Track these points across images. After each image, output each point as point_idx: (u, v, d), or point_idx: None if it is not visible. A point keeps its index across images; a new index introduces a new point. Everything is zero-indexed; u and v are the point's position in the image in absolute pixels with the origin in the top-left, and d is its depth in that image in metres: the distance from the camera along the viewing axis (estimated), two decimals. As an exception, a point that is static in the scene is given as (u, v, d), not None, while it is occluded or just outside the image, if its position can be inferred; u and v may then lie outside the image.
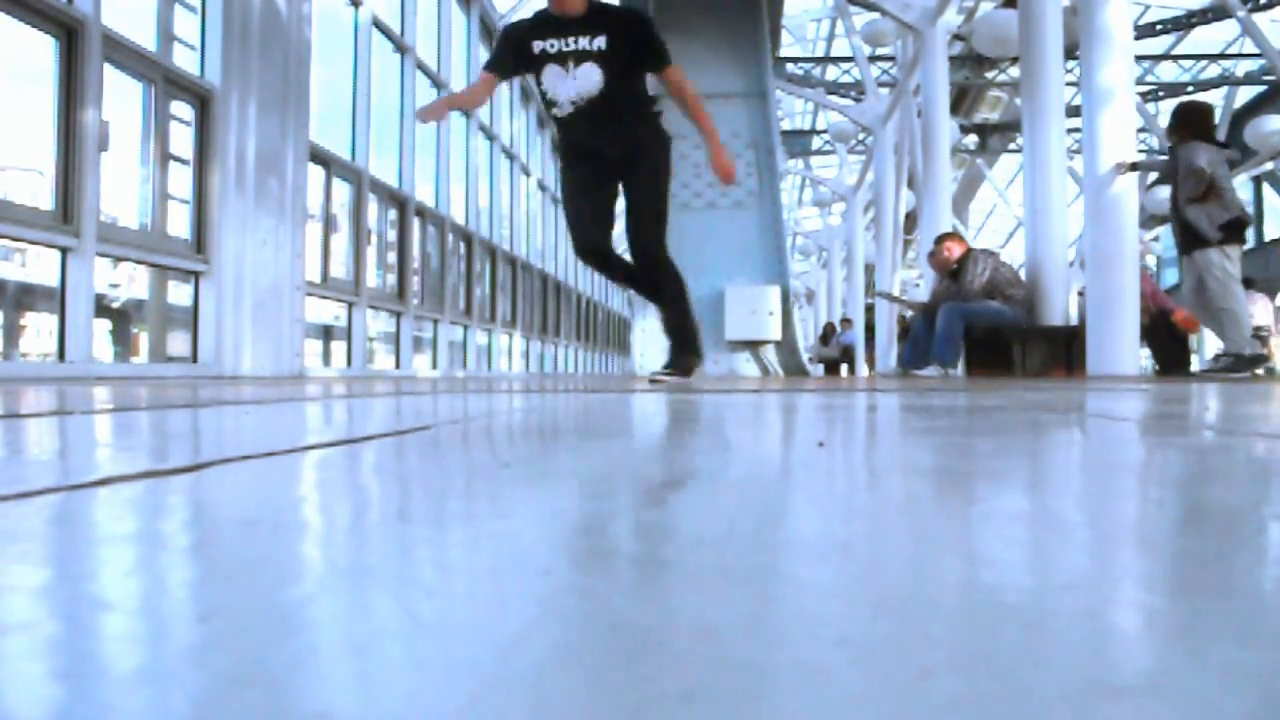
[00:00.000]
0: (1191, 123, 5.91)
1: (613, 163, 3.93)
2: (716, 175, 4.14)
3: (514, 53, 3.81)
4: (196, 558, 0.45)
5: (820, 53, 20.73)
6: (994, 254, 7.48)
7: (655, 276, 4.01)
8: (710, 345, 9.40)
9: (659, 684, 0.26)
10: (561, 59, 3.76)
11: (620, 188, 4.01)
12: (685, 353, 4.05)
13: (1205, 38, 18.43)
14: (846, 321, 18.14)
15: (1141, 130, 17.25)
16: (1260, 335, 9.44)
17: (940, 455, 0.98)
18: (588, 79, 3.76)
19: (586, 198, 3.97)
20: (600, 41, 3.78)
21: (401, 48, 9.43)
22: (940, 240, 7.67)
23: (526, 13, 4.10)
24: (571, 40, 3.76)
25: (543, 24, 3.80)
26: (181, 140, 5.79)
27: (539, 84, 3.83)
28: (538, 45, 3.76)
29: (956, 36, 13.12)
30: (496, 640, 0.30)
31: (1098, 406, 2.07)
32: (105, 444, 1.12)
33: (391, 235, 9.13)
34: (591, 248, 4.00)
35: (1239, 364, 5.88)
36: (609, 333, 21.70)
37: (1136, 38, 11.01)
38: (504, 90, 13.16)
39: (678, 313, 4.07)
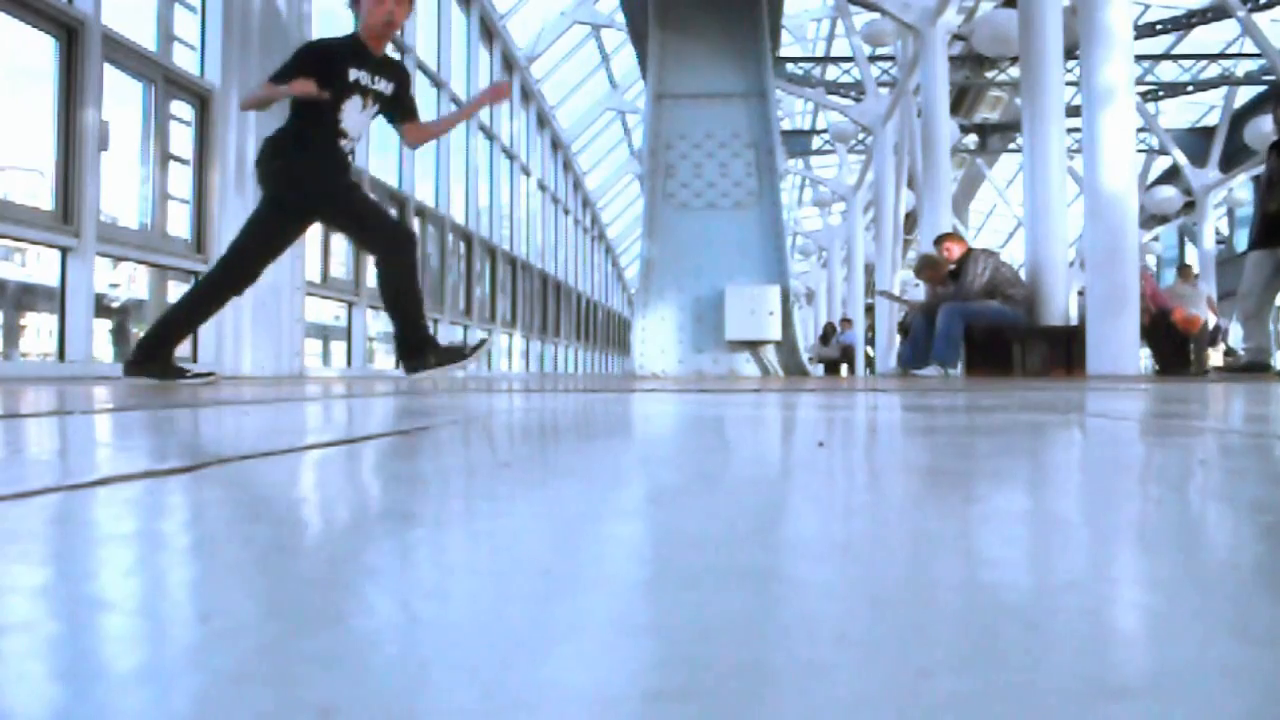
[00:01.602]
0: None
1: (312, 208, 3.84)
2: (488, 102, 4.15)
3: (320, 69, 3.63)
4: (196, 558, 0.45)
5: (820, 53, 20.72)
6: (994, 254, 7.48)
7: (404, 246, 3.91)
8: (710, 345, 9.40)
9: (659, 683, 0.26)
10: (364, 93, 3.72)
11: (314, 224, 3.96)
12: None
13: (1205, 38, 18.43)
14: (846, 321, 18.13)
15: (1141, 130, 17.26)
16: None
17: (940, 455, 0.98)
18: (367, 120, 3.79)
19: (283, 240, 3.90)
20: (390, 88, 3.81)
21: (401, 48, 9.43)
22: (940, 241, 7.67)
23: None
24: (377, 79, 3.75)
25: (356, 52, 3.71)
26: (181, 140, 5.79)
27: (334, 111, 3.65)
28: (353, 73, 3.68)
29: (956, 36, 13.12)
30: (496, 640, 0.30)
31: (1098, 406, 2.07)
32: (105, 444, 1.12)
33: (391, 235, 9.12)
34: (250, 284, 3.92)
35: (1252, 365, 5.93)
36: (609, 332, 21.70)
37: (1136, 38, 11.00)
38: (504, 90, 13.13)
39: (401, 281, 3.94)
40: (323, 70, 3.58)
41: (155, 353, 3.66)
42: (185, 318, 3.86)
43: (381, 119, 3.92)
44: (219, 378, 3.92)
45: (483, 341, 4.06)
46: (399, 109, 3.88)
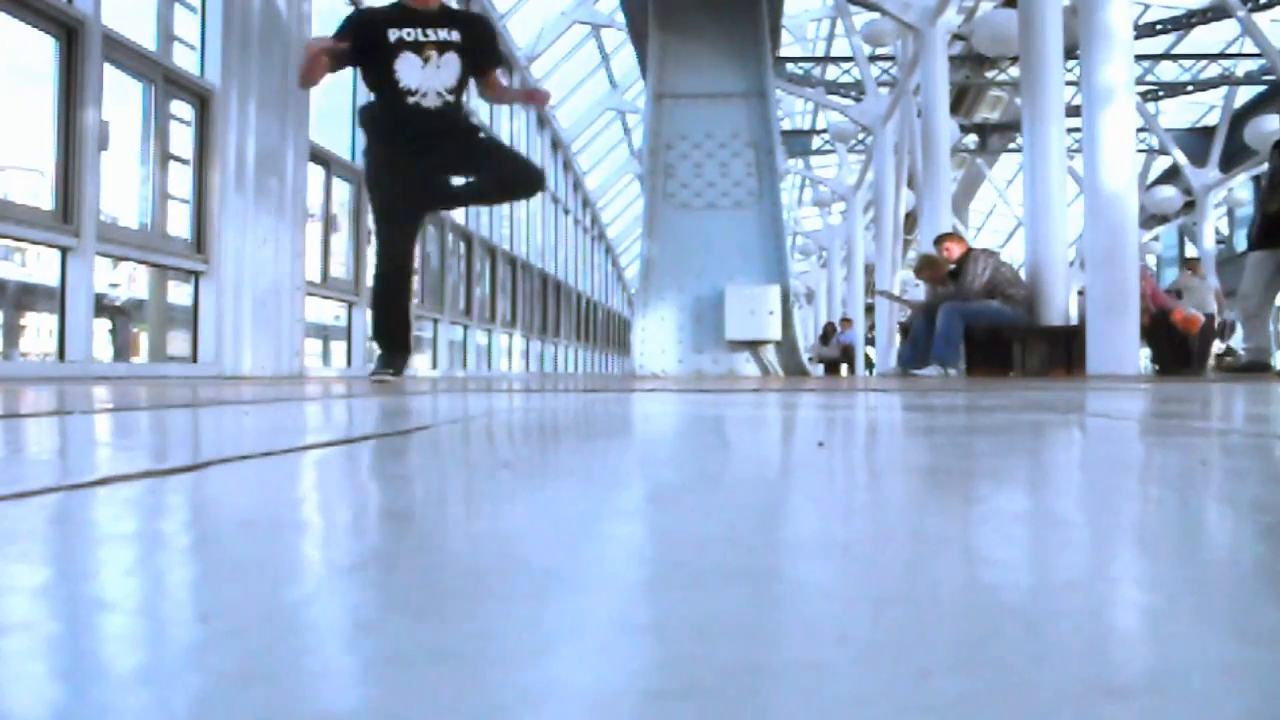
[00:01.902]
0: None
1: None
2: (530, 104, 4.29)
3: (359, 33, 3.83)
4: (196, 558, 0.45)
5: (820, 53, 20.71)
6: (994, 254, 7.48)
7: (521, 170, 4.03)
8: (710, 345, 9.39)
9: (659, 683, 0.26)
10: (418, 48, 3.84)
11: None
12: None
13: (1205, 38, 18.42)
14: (846, 321, 18.14)
15: (1141, 130, 17.26)
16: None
17: (940, 455, 0.98)
18: (440, 72, 3.87)
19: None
20: (455, 34, 3.91)
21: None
22: (940, 240, 7.67)
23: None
24: (432, 31, 3.86)
25: (400, 13, 3.85)
26: (181, 140, 5.79)
27: (388, 74, 3.79)
28: (394, 33, 3.81)
29: (956, 36, 13.12)
30: (496, 640, 0.30)
31: (1098, 406, 2.07)
32: (105, 444, 1.12)
33: (391, 235, 9.11)
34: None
35: (1252, 365, 5.93)
36: (609, 332, 21.70)
37: (1136, 38, 11.00)
38: (504, 90, 13.14)
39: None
40: (362, 34, 3.78)
41: (402, 342, 3.83)
42: (395, 301, 4.02)
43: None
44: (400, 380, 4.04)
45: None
46: (477, 58, 3.93)
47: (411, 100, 3.81)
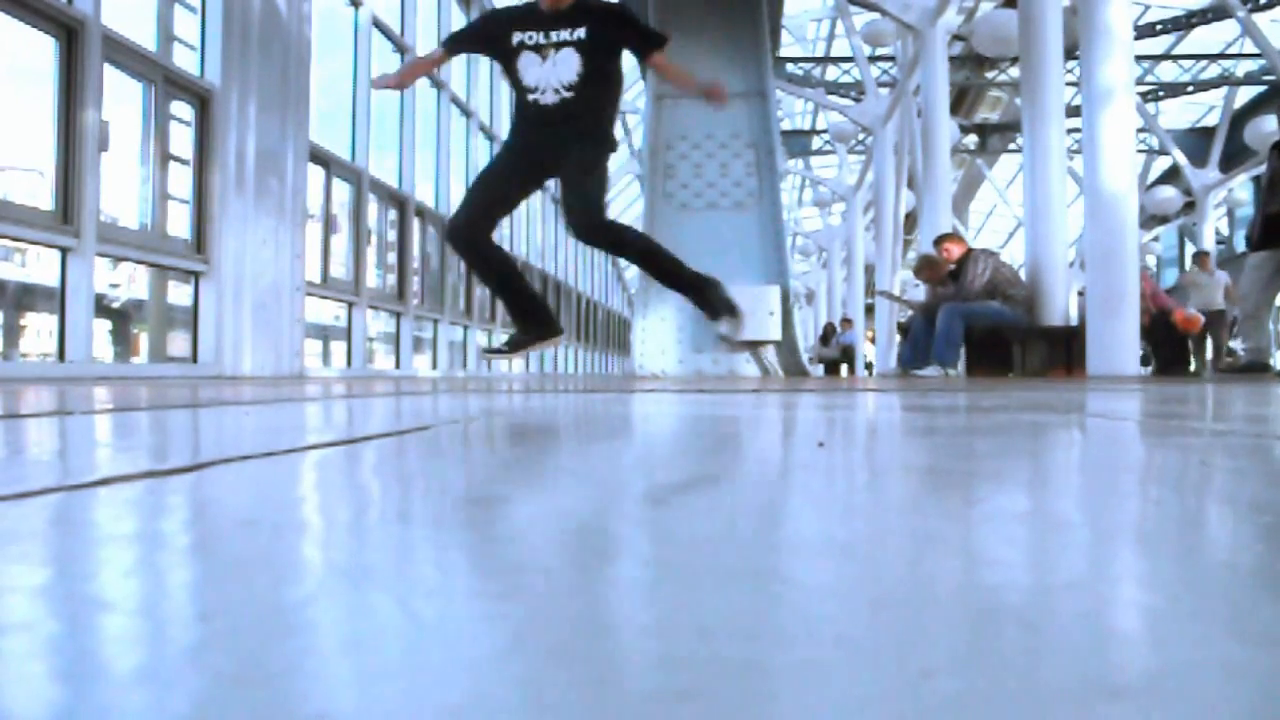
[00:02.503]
0: None
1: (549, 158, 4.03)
2: (712, 101, 4.21)
3: (484, 36, 3.95)
4: (196, 558, 0.45)
5: (820, 53, 20.72)
6: (994, 254, 7.48)
7: (618, 240, 4.06)
8: (710, 345, 9.40)
9: (659, 683, 0.26)
10: (539, 49, 3.91)
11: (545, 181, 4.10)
12: (707, 297, 3.95)
13: (1205, 38, 18.43)
14: (847, 321, 18.14)
15: (1141, 130, 17.26)
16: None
17: (940, 455, 0.98)
18: (563, 67, 3.92)
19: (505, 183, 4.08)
20: (580, 32, 3.94)
21: (401, 47, 9.43)
22: (939, 241, 7.67)
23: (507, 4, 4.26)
24: (555, 32, 3.92)
25: (525, 15, 3.93)
26: (181, 140, 5.79)
27: (514, 75, 3.88)
28: (517, 36, 3.88)
29: (956, 36, 13.12)
30: (496, 639, 0.30)
31: (1098, 407, 2.07)
32: (105, 444, 1.12)
33: (391, 235, 9.13)
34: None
35: (1252, 366, 5.94)
36: (609, 332, 21.70)
37: (1136, 38, 11.01)
38: (503, 89, 13.17)
39: (662, 263, 4.05)
40: (487, 38, 3.95)
41: (538, 316, 3.91)
42: (517, 285, 4.04)
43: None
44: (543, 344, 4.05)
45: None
46: (628, 43, 3.95)
47: (532, 98, 3.93)
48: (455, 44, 4.05)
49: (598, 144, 3.98)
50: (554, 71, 3.87)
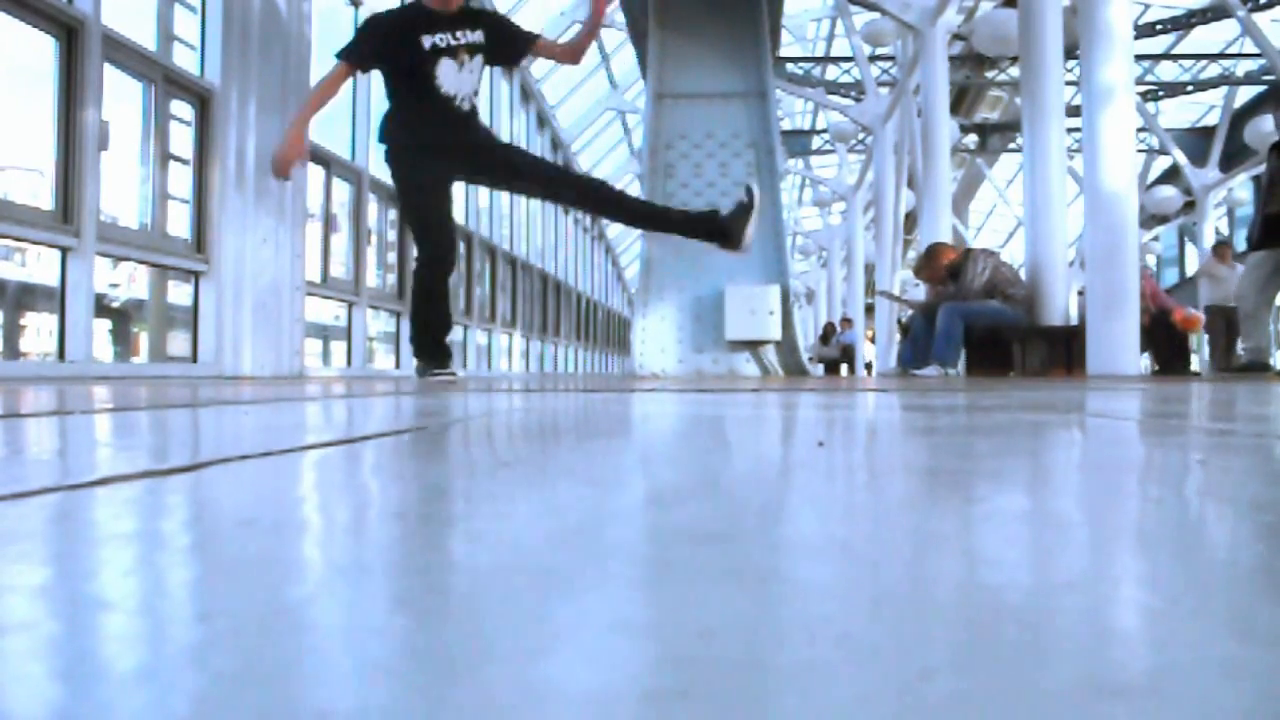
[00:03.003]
0: None
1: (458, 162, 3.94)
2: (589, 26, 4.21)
3: (389, 44, 3.76)
4: (196, 558, 0.45)
5: (820, 53, 20.72)
6: (994, 254, 7.48)
7: (607, 193, 4.05)
8: (710, 345, 9.39)
9: (659, 683, 0.26)
10: (453, 53, 3.80)
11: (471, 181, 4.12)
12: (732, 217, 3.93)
13: (1205, 38, 18.42)
14: (846, 321, 18.14)
15: (1141, 130, 17.26)
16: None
17: (940, 455, 0.98)
18: (474, 74, 3.86)
19: (442, 203, 3.96)
20: (479, 35, 3.86)
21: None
22: (930, 252, 7.65)
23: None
24: (460, 33, 3.83)
25: (426, 19, 3.78)
26: (181, 140, 5.79)
27: (429, 80, 3.74)
28: (428, 40, 3.74)
29: (956, 36, 13.12)
30: (496, 640, 0.30)
31: (1098, 406, 2.07)
32: (105, 444, 1.12)
33: (391, 235, 9.13)
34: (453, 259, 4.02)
35: (1252, 365, 5.95)
36: (609, 332, 21.70)
37: (1136, 37, 11.00)
38: (504, 89, 13.17)
39: (655, 215, 4.07)
40: (395, 43, 3.70)
41: (434, 349, 3.90)
42: (428, 312, 4.04)
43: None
44: (461, 381, 4.09)
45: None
46: (512, 47, 3.95)
47: (448, 104, 3.81)
48: (360, 57, 3.81)
49: (501, 140, 4.04)
50: (470, 78, 3.83)
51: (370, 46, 3.78)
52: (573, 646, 0.30)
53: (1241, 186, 19.43)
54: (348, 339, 8.26)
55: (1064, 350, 6.85)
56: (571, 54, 4.06)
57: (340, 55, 3.78)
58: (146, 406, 1.88)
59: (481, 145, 3.92)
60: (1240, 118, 18.11)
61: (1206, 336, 8.25)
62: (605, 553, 0.47)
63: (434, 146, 3.83)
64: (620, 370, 20.38)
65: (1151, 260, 23.36)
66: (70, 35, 4.82)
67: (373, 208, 8.49)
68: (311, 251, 7.03)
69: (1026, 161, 7.29)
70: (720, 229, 3.88)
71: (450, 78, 3.77)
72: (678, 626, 0.32)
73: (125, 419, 1.52)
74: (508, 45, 3.95)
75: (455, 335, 10.64)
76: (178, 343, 6.37)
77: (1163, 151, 19.56)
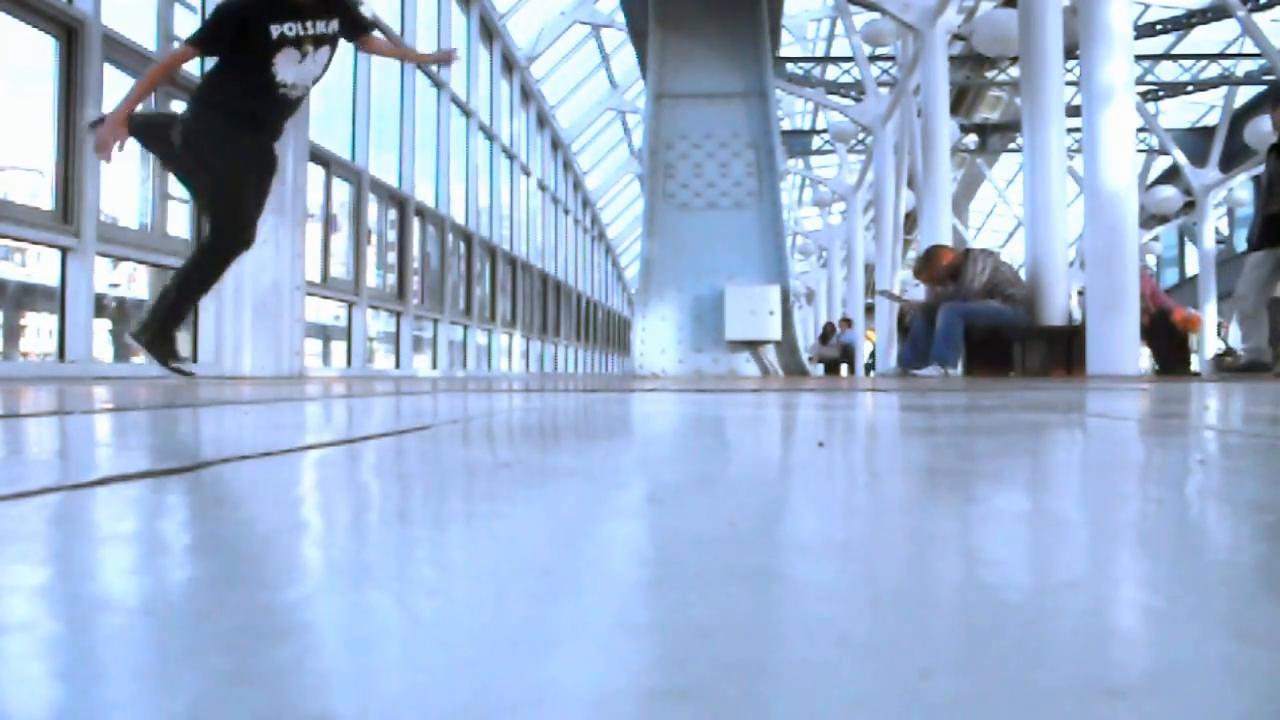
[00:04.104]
0: None
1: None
2: (435, 61, 4.26)
3: (237, 32, 3.77)
4: (196, 558, 0.45)
5: (820, 53, 20.71)
6: (994, 254, 7.48)
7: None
8: (710, 345, 9.39)
9: (659, 683, 0.26)
10: (298, 43, 3.83)
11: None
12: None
13: (1205, 38, 18.41)
14: (846, 321, 18.13)
15: (1141, 130, 17.26)
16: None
17: (940, 455, 0.98)
18: (319, 64, 3.89)
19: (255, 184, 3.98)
20: (335, 25, 3.90)
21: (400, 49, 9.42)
22: (929, 255, 7.65)
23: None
24: (312, 24, 3.84)
25: (277, 6, 3.80)
26: (181, 140, 5.78)
27: (266, 69, 3.77)
28: (276, 29, 3.75)
29: (956, 36, 13.11)
30: (496, 640, 0.30)
31: (1097, 406, 2.07)
32: (105, 444, 1.12)
33: (391, 235, 9.13)
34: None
35: (1252, 365, 5.95)
36: (609, 332, 21.69)
37: (1136, 37, 11.00)
38: (503, 89, 13.17)
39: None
40: (241, 32, 3.70)
41: (164, 331, 3.80)
42: (198, 298, 4.00)
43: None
44: (196, 377, 4.02)
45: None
46: (351, 34, 4.01)
47: (282, 92, 3.84)
48: (209, 41, 3.82)
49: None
50: (311, 69, 3.85)
51: (222, 33, 3.79)
52: (573, 646, 0.30)
53: (1241, 186, 19.43)
54: (348, 339, 8.26)
55: (1064, 350, 6.85)
56: (371, 47, 4.15)
57: (190, 41, 3.82)
58: (146, 407, 1.88)
59: (269, 145, 3.93)
60: (1240, 118, 18.11)
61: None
62: (605, 553, 0.47)
63: (251, 118, 3.84)
64: (620, 370, 20.38)
65: (1151, 260, 23.36)
66: (70, 35, 4.82)
67: (373, 208, 8.49)
68: (311, 251, 7.03)
69: (1026, 161, 7.29)
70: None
71: (289, 67, 3.80)
72: (678, 626, 0.32)
73: (125, 419, 1.52)
74: (352, 29, 4.01)
75: (454, 335, 10.65)
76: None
77: (1163, 151, 19.55)
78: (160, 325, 3.85)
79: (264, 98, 3.82)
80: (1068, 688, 0.26)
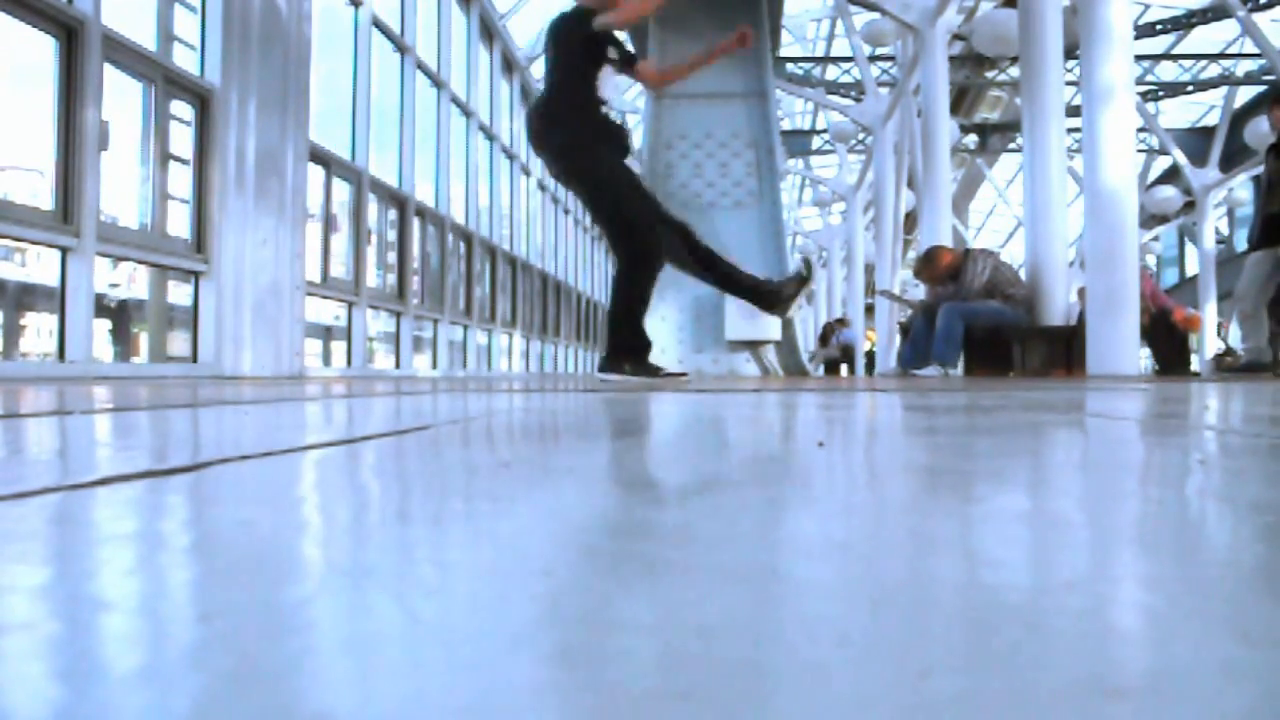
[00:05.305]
0: None
1: None
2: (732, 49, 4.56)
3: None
4: (196, 558, 0.45)
5: (820, 53, 20.73)
6: (994, 254, 7.49)
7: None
8: (710, 345, 9.40)
9: (659, 683, 0.26)
10: (612, 63, 4.34)
11: None
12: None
13: (1205, 38, 18.42)
14: (841, 322, 18.14)
15: (1141, 130, 17.26)
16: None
17: (940, 455, 0.98)
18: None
19: None
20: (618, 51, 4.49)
21: (402, 47, 9.43)
22: (930, 255, 7.65)
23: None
24: (612, 49, 4.35)
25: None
26: (181, 140, 5.79)
27: (595, 83, 4.23)
28: (612, 51, 4.28)
29: (956, 36, 13.11)
30: (497, 641, 0.30)
31: (1098, 406, 2.07)
32: (105, 444, 1.12)
33: (391, 235, 9.13)
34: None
35: (1252, 365, 5.95)
36: (609, 332, 21.65)
37: (1136, 38, 11.00)
38: (503, 89, 13.18)
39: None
40: (605, 47, 4.25)
41: (633, 349, 4.09)
42: (633, 307, 4.24)
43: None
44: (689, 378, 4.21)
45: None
46: (624, 66, 4.41)
47: (604, 110, 4.28)
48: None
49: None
50: (613, 86, 4.46)
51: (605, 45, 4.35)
52: (573, 646, 0.30)
53: (1241, 186, 19.44)
54: (348, 339, 8.26)
55: (1064, 350, 6.86)
56: (654, 79, 4.84)
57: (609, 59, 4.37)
58: (146, 407, 1.88)
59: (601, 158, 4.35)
60: (1240, 118, 18.12)
61: None
62: (605, 552, 0.47)
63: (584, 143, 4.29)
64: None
65: (1151, 260, 23.37)
66: (70, 35, 4.82)
67: (373, 207, 8.49)
68: (311, 251, 7.03)
69: (1026, 161, 7.29)
70: (769, 297, 4.20)
71: (608, 85, 4.29)
72: (678, 626, 0.32)
73: (125, 419, 1.52)
74: (623, 63, 4.46)
75: (454, 335, 10.65)
76: (178, 343, 6.37)
77: (1163, 151, 19.56)
78: (624, 350, 4.11)
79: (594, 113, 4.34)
80: (1068, 688, 0.26)
